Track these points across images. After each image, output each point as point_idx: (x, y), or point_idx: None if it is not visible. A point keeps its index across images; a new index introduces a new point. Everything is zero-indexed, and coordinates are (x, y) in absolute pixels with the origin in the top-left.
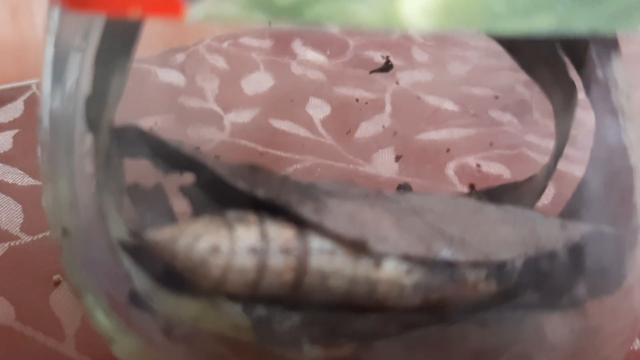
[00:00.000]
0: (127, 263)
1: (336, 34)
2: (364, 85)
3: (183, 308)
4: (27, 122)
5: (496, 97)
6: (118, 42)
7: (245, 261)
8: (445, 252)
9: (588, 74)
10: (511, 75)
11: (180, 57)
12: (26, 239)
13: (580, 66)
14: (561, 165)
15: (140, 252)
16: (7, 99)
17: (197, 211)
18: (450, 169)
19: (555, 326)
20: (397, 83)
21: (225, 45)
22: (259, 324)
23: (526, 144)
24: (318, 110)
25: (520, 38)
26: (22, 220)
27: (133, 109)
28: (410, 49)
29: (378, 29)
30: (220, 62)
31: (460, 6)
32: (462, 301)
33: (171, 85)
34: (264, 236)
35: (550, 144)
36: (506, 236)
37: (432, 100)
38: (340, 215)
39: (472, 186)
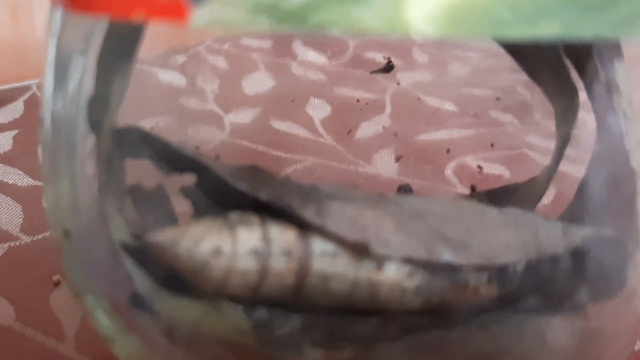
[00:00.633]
0: (129, 265)
1: (336, 35)
2: (364, 85)
3: (184, 311)
4: (27, 123)
5: (497, 99)
6: (121, 45)
7: (247, 263)
8: (447, 256)
9: (590, 77)
10: (512, 76)
11: (180, 58)
12: (26, 239)
13: (582, 70)
14: (562, 166)
15: (142, 254)
16: (7, 100)
17: (199, 212)
18: (451, 169)
19: (557, 329)
20: (397, 84)
21: (225, 46)
22: (260, 326)
23: (527, 145)
24: (318, 110)
25: (524, 43)
26: (22, 221)
27: (134, 110)
28: (411, 50)
29: (382, 35)
30: (220, 63)
31: (466, 12)
32: (464, 305)
33: (172, 85)
34: (266, 238)
35: (551, 145)
36: (508, 240)
37: (432, 101)
38: (342, 218)
39: (472, 187)
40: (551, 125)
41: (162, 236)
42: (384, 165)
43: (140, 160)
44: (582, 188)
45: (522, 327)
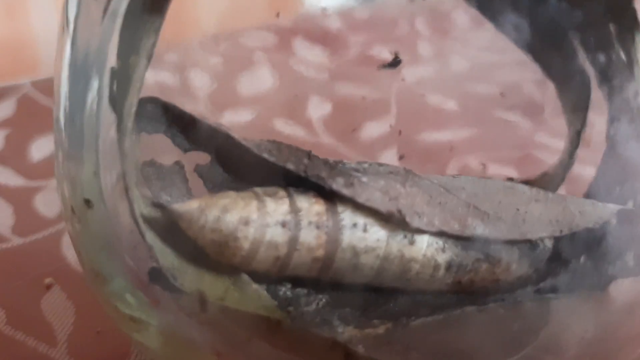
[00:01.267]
0: (150, 238)
1: (338, 30)
2: (367, 83)
3: (207, 286)
4: (19, 122)
5: (501, 94)
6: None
7: (276, 235)
8: (481, 229)
9: (608, 59)
10: (518, 73)
11: (173, 56)
12: (17, 241)
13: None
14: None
15: (164, 226)
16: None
17: (214, 192)
18: (455, 169)
19: (583, 308)
20: (402, 80)
21: (223, 43)
22: (286, 304)
23: (533, 144)
24: (320, 109)
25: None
26: (13, 222)
27: None
28: (416, 46)
29: None
30: (218, 61)
31: None
32: (495, 282)
33: (164, 84)
34: (294, 210)
35: (557, 144)
36: (540, 214)
37: (436, 98)
38: (373, 189)
39: None
40: (557, 124)
41: (188, 206)
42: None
43: (155, 135)
44: (593, 186)
45: (550, 306)
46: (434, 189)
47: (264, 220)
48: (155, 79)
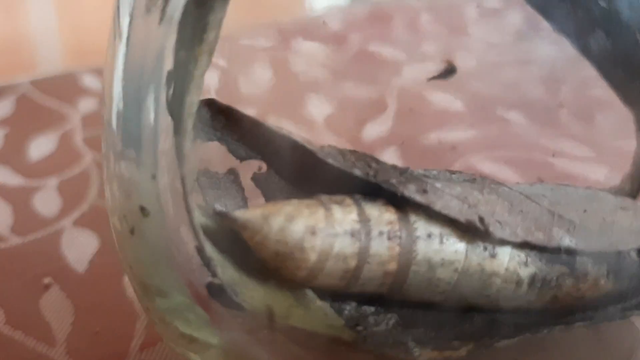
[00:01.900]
0: (209, 250)
1: (338, 29)
2: (367, 82)
3: (271, 302)
4: (18, 121)
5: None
6: None
7: (345, 245)
8: (568, 240)
9: None
10: (524, 73)
11: None
12: (16, 240)
13: None
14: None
15: (223, 237)
16: None
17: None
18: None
19: None
20: (403, 79)
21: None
22: (353, 323)
23: (538, 146)
24: (320, 108)
25: None
26: (12, 222)
27: None
28: (418, 44)
29: None
30: (218, 60)
31: None
32: (580, 300)
33: None
34: (363, 219)
35: (565, 146)
36: (629, 224)
37: (439, 97)
38: (449, 196)
39: None
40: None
41: (250, 213)
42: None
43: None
44: None
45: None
46: (514, 196)
47: (331, 230)
48: None
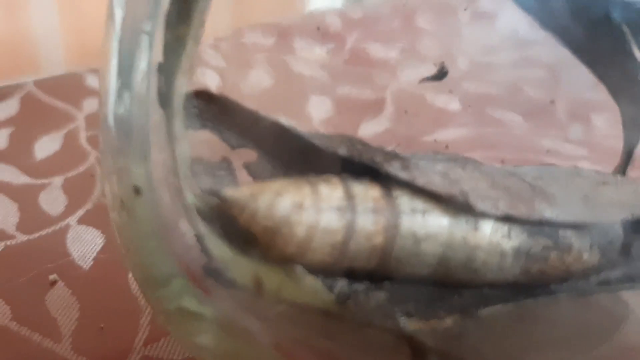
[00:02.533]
0: (201, 228)
1: (337, 29)
2: (365, 82)
3: (263, 278)
4: (23, 121)
5: (501, 96)
6: None
7: (331, 220)
8: (549, 213)
9: None
10: (521, 74)
11: None
12: (22, 238)
13: None
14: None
15: (214, 216)
16: (2, 97)
17: None
18: None
19: None
20: (400, 80)
21: (224, 43)
22: (344, 299)
23: (534, 147)
24: (319, 109)
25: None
26: (17, 219)
27: None
28: (415, 44)
29: None
30: (219, 61)
31: None
32: (567, 272)
33: None
34: (349, 196)
35: (561, 147)
36: (611, 197)
37: (436, 98)
38: (431, 172)
39: None
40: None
41: (240, 192)
42: None
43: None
44: None
45: (629, 301)
46: (497, 172)
47: (318, 205)
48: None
